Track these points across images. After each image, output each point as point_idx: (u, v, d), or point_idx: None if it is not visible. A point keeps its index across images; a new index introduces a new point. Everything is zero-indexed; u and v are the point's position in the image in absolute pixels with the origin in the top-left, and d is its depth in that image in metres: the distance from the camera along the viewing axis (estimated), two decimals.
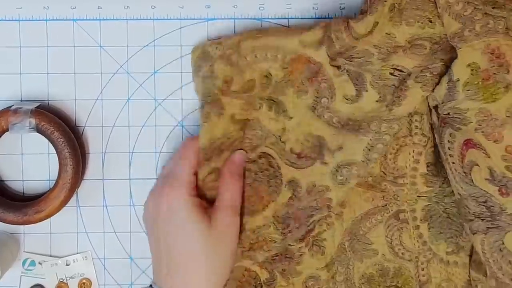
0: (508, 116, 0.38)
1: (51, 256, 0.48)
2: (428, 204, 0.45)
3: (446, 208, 0.45)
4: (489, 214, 0.40)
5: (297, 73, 0.43)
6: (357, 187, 0.45)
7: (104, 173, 0.48)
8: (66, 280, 0.48)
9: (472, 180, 0.40)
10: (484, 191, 0.39)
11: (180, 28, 0.48)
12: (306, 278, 0.45)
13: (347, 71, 0.42)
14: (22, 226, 0.47)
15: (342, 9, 0.48)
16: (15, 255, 0.47)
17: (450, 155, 0.41)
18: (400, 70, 0.41)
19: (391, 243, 0.45)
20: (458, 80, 0.39)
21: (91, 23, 0.48)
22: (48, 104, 0.48)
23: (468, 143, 0.39)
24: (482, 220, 0.40)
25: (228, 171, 0.43)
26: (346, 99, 0.42)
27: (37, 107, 0.46)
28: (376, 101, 0.42)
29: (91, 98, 0.48)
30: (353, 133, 0.42)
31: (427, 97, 0.42)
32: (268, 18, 0.48)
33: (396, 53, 0.41)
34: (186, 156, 0.42)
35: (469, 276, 0.44)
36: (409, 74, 0.41)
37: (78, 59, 0.48)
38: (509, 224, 0.39)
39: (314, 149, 0.43)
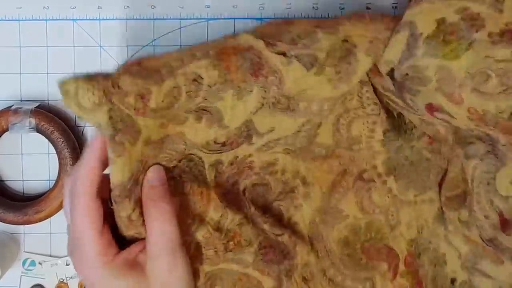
0: (467, 77, 0.34)
1: (51, 256, 0.48)
2: (388, 157, 0.43)
3: (407, 156, 0.43)
4: (489, 138, 0.37)
5: (235, 67, 0.33)
6: (313, 161, 0.42)
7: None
8: (66, 280, 0.48)
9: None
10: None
11: (180, 28, 0.48)
12: (301, 269, 0.43)
13: (295, 57, 0.34)
14: (22, 226, 0.47)
15: (342, 9, 0.48)
16: (15, 255, 0.47)
17: (422, 115, 0.39)
18: (347, 41, 0.36)
19: (361, 204, 0.44)
20: (421, 34, 0.35)
21: (91, 23, 0.48)
22: (48, 104, 0.48)
23: (431, 108, 0.37)
24: (483, 142, 0.37)
25: (149, 199, 0.32)
26: (294, 82, 0.36)
27: (37, 107, 0.46)
28: (315, 73, 0.36)
29: None
30: (287, 114, 0.37)
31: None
32: (268, 18, 0.48)
33: (343, 24, 0.36)
34: (85, 213, 0.31)
35: (438, 209, 0.44)
36: (356, 46, 0.36)
37: (78, 59, 0.48)
38: (504, 154, 0.36)
39: (241, 135, 0.38)
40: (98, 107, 0.30)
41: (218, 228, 0.37)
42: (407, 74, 0.36)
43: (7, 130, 0.45)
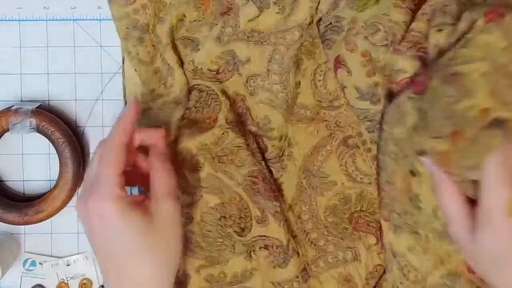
0: (362, 27, 0.41)
1: (51, 256, 0.48)
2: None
3: None
4: (375, 123, 0.44)
5: (209, 10, 0.45)
6: (299, 123, 0.46)
7: None
8: (67, 280, 0.48)
9: (349, 102, 0.45)
10: (362, 109, 0.44)
11: None
12: (281, 214, 0.45)
13: (251, 0, 0.45)
14: (22, 226, 0.47)
15: None
16: (15, 255, 0.47)
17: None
18: None
19: (346, 170, 0.46)
20: None
21: (91, 23, 0.48)
22: (48, 104, 0.48)
23: (337, 61, 0.42)
24: (373, 132, 0.45)
25: (157, 160, 0.41)
26: (249, 21, 0.45)
27: (37, 107, 0.46)
28: (277, 13, 0.44)
29: (92, 98, 0.48)
30: (259, 45, 0.45)
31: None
32: None
33: None
34: (110, 157, 0.38)
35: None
36: None
37: (78, 59, 0.48)
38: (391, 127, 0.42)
39: (229, 62, 0.46)
40: (152, 57, 0.45)
41: (216, 143, 0.44)
42: (330, 23, 0.43)
43: (7, 130, 0.45)
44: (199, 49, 0.46)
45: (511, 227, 0.35)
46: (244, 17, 0.45)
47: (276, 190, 0.45)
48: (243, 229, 0.44)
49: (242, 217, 0.44)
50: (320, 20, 0.44)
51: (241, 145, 0.44)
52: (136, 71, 0.45)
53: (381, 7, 0.42)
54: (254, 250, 0.44)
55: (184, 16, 0.45)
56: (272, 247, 0.43)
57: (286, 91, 0.45)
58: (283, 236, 0.43)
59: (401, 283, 0.43)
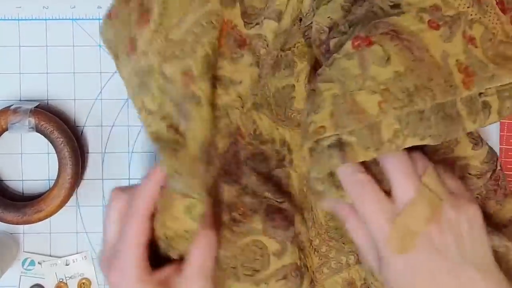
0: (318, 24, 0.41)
1: (50, 256, 0.48)
2: None
3: None
4: None
5: (223, 44, 0.42)
6: (296, 129, 0.46)
7: (104, 173, 0.48)
8: (66, 280, 0.48)
9: None
10: None
11: None
12: (296, 237, 0.44)
13: (266, 17, 0.42)
14: (21, 225, 0.47)
15: None
16: (14, 255, 0.47)
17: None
18: None
19: None
20: None
21: (91, 23, 0.48)
22: (47, 103, 0.48)
23: (316, 64, 0.41)
24: None
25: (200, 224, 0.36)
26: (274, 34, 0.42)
27: (36, 107, 0.46)
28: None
29: (91, 97, 0.48)
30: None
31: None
32: None
33: None
34: (138, 230, 0.35)
35: None
36: None
37: (78, 58, 0.48)
38: None
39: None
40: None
41: (218, 203, 0.41)
42: (311, 22, 0.42)
43: (6, 129, 0.45)
44: (240, 82, 0.41)
45: (400, 262, 0.34)
46: (272, 36, 0.42)
47: (288, 211, 0.43)
48: (258, 270, 0.42)
49: (257, 259, 0.41)
50: (301, 20, 0.44)
51: (239, 192, 0.42)
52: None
53: (332, 4, 0.41)
54: (267, 283, 0.42)
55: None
56: (290, 273, 0.42)
57: (265, 89, 0.44)
58: (296, 256, 0.42)
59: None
